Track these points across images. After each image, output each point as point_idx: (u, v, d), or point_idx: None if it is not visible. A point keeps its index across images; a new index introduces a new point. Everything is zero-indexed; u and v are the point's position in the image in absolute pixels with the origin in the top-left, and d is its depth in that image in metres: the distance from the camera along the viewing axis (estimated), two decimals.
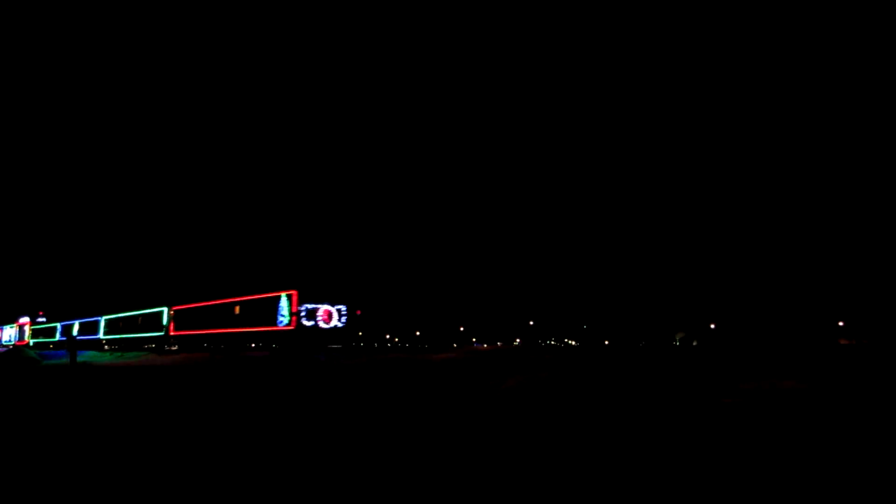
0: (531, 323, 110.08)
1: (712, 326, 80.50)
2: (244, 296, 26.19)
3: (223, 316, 28.54)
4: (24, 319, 66.78)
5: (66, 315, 58.16)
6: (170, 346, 36.58)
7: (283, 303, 23.53)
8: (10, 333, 68.86)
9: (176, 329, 34.58)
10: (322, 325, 22.64)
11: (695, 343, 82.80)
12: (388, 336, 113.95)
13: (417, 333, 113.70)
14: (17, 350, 37.90)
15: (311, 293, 23.23)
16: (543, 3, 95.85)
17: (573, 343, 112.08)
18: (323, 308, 22.98)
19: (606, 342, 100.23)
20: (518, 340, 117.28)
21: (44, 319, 63.80)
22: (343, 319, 23.17)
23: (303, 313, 22.54)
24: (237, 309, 27.08)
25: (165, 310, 35.67)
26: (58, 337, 55.38)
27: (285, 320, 23.00)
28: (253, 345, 28.19)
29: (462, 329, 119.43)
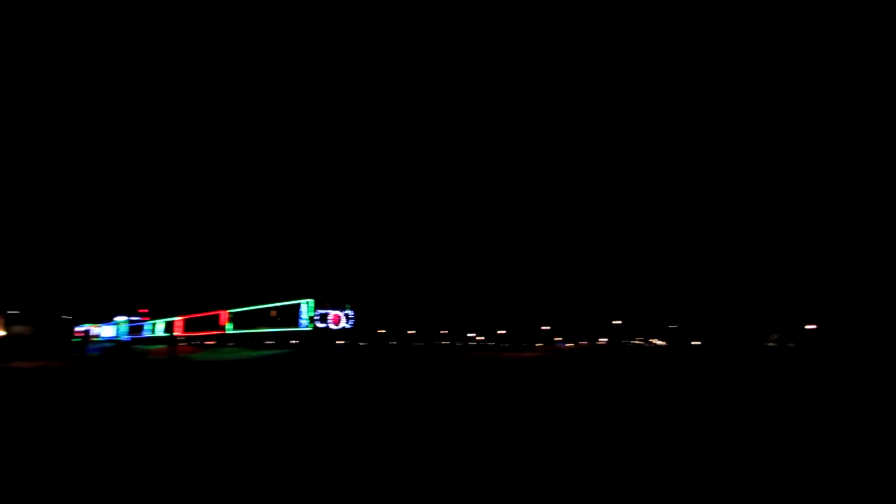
0: (616, 322, 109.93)
1: (810, 327, 77.49)
2: (276, 302, 33.08)
3: (264, 318, 35.58)
4: (121, 318, 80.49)
5: (157, 314, 69.72)
6: (227, 343, 44.34)
7: (304, 309, 29.95)
8: (109, 330, 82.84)
9: (234, 329, 42.51)
10: (332, 326, 28.77)
11: (791, 345, 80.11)
12: (470, 335, 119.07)
13: (500, 332, 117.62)
14: (124, 345, 46.89)
15: (326, 299, 29.43)
16: (543, 3, 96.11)
17: (660, 343, 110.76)
18: (333, 313, 29.12)
19: (695, 342, 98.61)
20: (603, 340, 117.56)
21: (137, 318, 76.64)
22: (351, 322, 29.19)
23: (317, 318, 28.76)
24: (273, 312, 34.03)
25: (224, 312, 43.80)
26: (143, 333, 67.23)
27: (305, 322, 29.36)
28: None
29: (545, 328, 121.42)
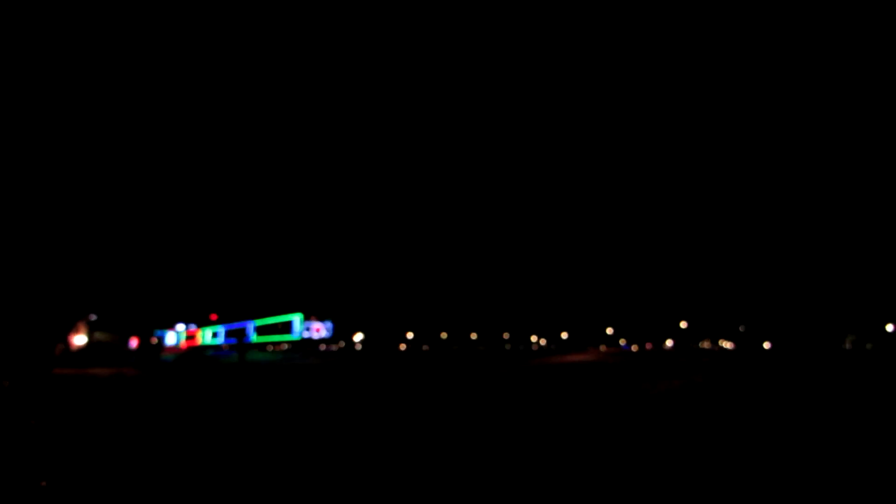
0: (683, 324, 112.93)
1: (889, 328, 78.19)
2: (275, 315, 44.82)
3: (275, 329, 46.77)
4: (181, 326, 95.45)
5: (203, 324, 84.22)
6: (252, 349, 56.14)
7: (296, 322, 40.91)
8: (172, 337, 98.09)
9: (258, 337, 54.14)
10: (315, 335, 39.50)
11: (868, 346, 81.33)
12: (533, 339, 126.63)
13: (564, 336, 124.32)
14: (197, 350, 58.29)
15: (312, 313, 40.37)
16: (543, 3, 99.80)
17: (729, 345, 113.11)
18: (315, 325, 39.93)
19: (766, 345, 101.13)
20: (669, 342, 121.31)
21: (194, 325, 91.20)
22: (330, 332, 40.01)
23: (304, 329, 39.63)
24: (279, 325, 45.19)
25: (251, 323, 55.51)
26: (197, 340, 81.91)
27: (297, 332, 40.37)
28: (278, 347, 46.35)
29: (610, 331, 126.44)
